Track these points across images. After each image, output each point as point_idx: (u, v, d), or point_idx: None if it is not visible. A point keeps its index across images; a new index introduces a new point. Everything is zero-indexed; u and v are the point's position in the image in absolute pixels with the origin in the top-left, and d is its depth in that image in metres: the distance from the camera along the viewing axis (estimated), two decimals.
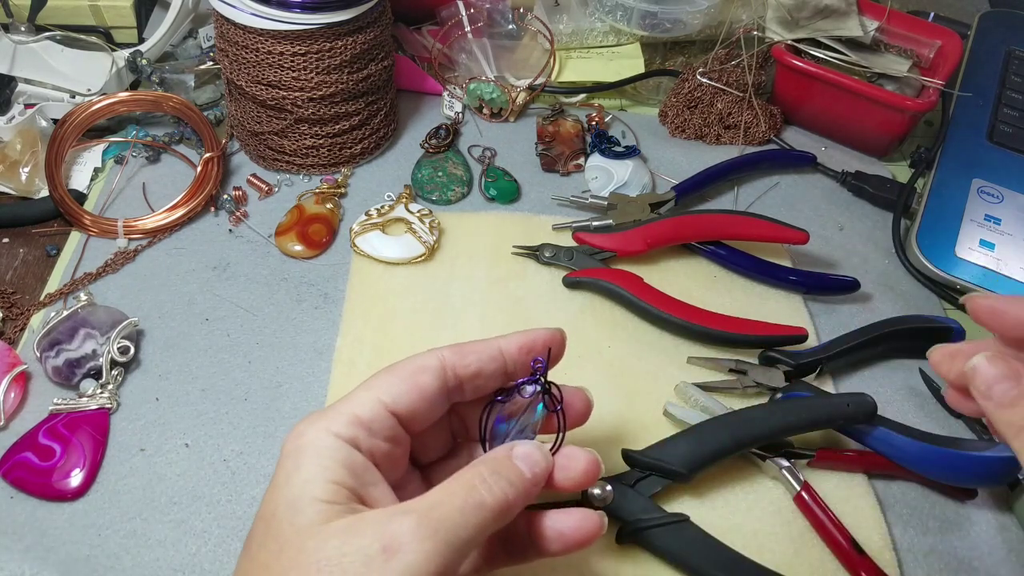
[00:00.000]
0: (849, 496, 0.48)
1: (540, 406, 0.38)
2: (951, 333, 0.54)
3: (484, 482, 0.32)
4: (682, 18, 0.74)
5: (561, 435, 0.38)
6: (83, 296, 0.53)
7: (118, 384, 0.50)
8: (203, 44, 0.72)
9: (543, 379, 0.38)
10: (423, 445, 0.38)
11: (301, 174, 0.64)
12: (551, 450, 0.37)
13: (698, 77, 0.70)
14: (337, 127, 0.62)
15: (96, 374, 0.50)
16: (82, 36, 0.67)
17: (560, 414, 0.38)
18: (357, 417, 0.33)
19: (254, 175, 0.64)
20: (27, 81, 0.65)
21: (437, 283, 0.58)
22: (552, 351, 0.38)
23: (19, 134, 0.61)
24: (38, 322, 0.54)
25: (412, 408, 0.34)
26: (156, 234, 0.59)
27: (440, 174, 0.64)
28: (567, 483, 0.36)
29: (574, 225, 0.61)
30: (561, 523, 0.36)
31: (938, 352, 0.36)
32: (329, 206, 0.61)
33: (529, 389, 0.38)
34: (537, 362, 0.38)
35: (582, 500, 0.44)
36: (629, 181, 0.64)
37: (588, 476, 0.37)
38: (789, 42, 0.68)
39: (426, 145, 0.67)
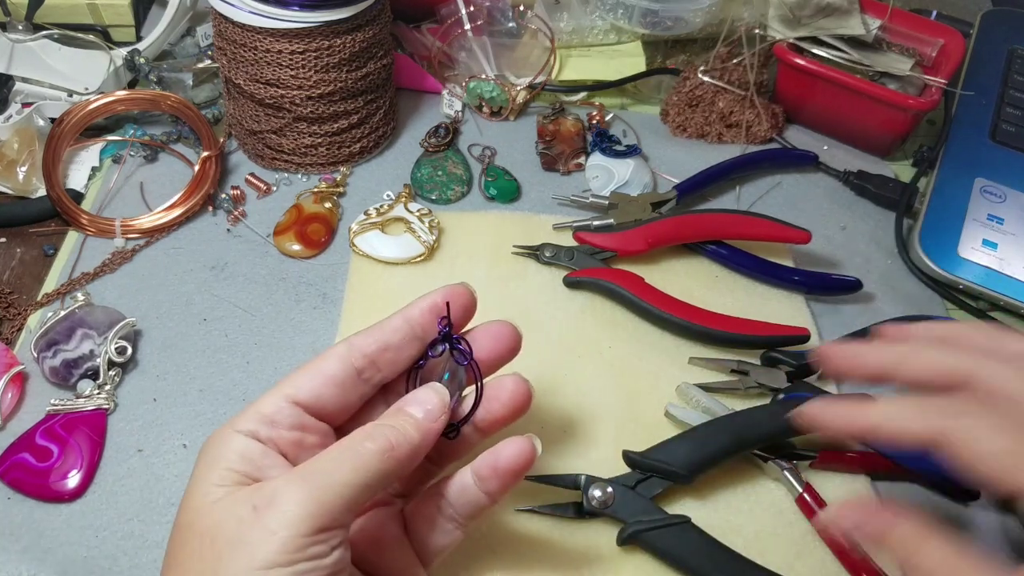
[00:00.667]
0: (851, 498, 0.48)
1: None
2: None
3: (367, 433, 0.33)
4: (683, 16, 0.73)
5: (479, 384, 0.38)
6: (80, 296, 0.52)
7: (116, 384, 0.50)
8: (201, 42, 0.72)
9: (449, 334, 0.38)
10: None
11: (300, 173, 0.64)
12: (475, 403, 0.38)
13: (699, 75, 0.70)
14: (336, 126, 0.62)
15: (93, 374, 0.50)
16: (80, 35, 0.67)
17: (472, 366, 0.38)
18: (259, 412, 0.34)
19: (252, 174, 0.64)
20: (24, 80, 0.65)
21: (437, 283, 0.56)
22: (454, 305, 0.38)
23: (16, 133, 0.61)
24: (35, 322, 0.53)
25: (316, 394, 0.35)
26: (154, 234, 0.59)
27: (440, 173, 0.64)
28: (499, 411, 0.38)
29: (574, 225, 0.61)
30: (491, 459, 0.36)
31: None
32: (328, 205, 0.61)
33: (440, 348, 0.38)
34: (441, 320, 0.38)
35: (581, 500, 0.44)
36: (630, 180, 0.64)
37: (517, 397, 0.38)
38: (791, 40, 0.68)
39: (425, 144, 0.67)
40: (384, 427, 0.34)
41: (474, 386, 0.38)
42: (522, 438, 0.37)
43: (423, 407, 0.36)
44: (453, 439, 0.38)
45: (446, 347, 0.38)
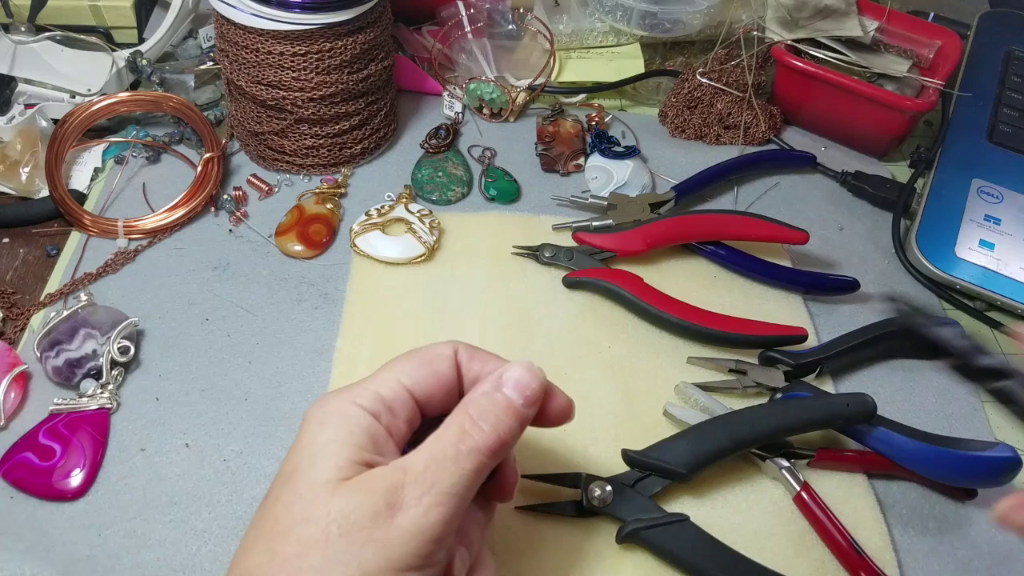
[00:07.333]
0: (849, 496, 0.48)
1: None
2: None
3: (473, 426, 0.33)
4: (682, 18, 0.74)
5: None
6: (83, 296, 0.53)
7: (118, 384, 0.50)
8: (203, 44, 0.72)
9: None
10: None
11: (301, 174, 0.64)
12: None
13: (698, 77, 0.70)
14: (337, 127, 0.62)
15: (96, 374, 0.50)
16: (82, 36, 0.67)
17: None
18: (380, 395, 0.34)
19: (254, 175, 0.64)
20: (27, 81, 0.65)
21: (437, 283, 0.58)
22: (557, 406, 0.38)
23: (19, 134, 0.61)
24: (38, 322, 0.54)
25: (430, 392, 0.35)
26: (156, 234, 0.59)
27: (440, 174, 0.64)
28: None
29: (574, 225, 0.61)
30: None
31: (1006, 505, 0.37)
32: (329, 206, 0.61)
33: None
34: None
35: (581, 498, 0.44)
36: (629, 181, 0.64)
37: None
38: (789, 42, 0.68)
39: (426, 145, 0.67)
40: (487, 422, 0.33)
41: None
42: None
43: (523, 392, 0.34)
44: None
45: None
